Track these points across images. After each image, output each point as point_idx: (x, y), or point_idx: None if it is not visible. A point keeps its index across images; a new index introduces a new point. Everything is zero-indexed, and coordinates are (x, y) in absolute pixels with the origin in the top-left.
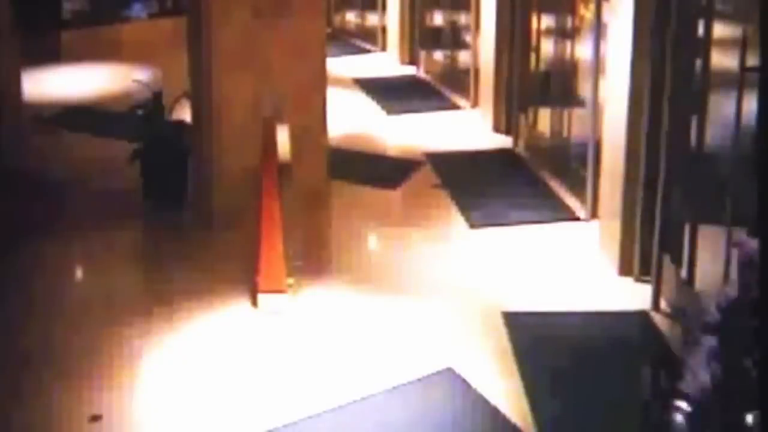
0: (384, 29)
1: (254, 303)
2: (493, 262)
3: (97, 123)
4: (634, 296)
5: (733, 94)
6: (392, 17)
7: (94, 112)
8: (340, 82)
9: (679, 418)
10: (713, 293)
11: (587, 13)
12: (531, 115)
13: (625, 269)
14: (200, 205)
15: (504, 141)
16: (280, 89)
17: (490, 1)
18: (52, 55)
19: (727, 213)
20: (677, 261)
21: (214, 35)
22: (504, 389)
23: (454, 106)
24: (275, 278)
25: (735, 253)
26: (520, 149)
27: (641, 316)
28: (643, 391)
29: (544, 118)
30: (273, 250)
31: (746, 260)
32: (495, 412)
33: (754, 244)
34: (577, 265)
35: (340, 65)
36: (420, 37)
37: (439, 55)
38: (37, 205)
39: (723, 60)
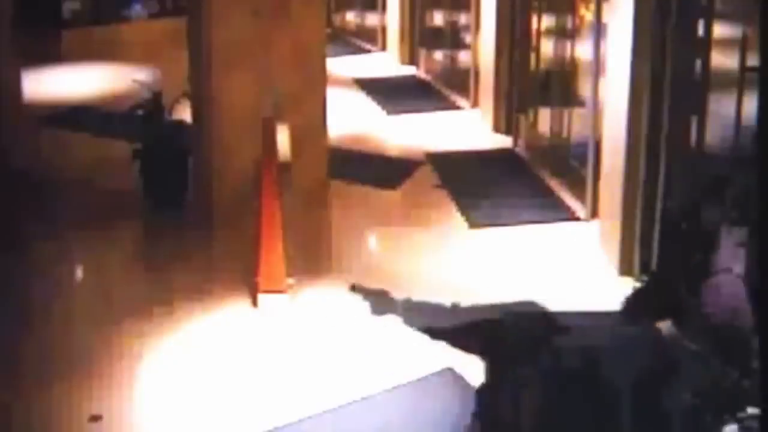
0: (384, 29)
1: (254, 303)
2: (493, 262)
3: (97, 123)
4: None
5: (734, 94)
6: (392, 17)
7: (94, 112)
8: (340, 82)
9: None
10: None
11: (587, 13)
12: (531, 115)
13: (625, 269)
14: (200, 204)
15: (504, 141)
16: (280, 89)
17: (490, 1)
18: (52, 55)
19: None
20: None
21: (214, 35)
22: None
23: (454, 106)
24: (275, 278)
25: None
26: (520, 149)
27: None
28: None
29: (544, 118)
30: (273, 250)
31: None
32: None
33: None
34: (577, 265)
35: (340, 65)
36: (420, 37)
37: (439, 55)
38: (37, 205)
39: (723, 60)
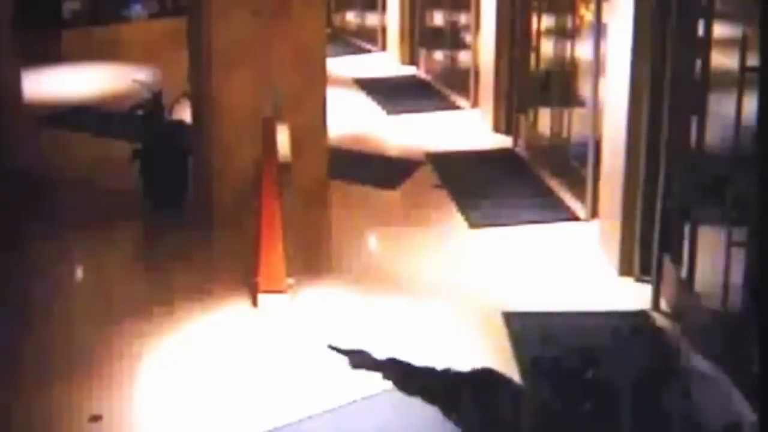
0: (384, 29)
1: (254, 303)
2: (493, 262)
3: (97, 123)
4: (634, 296)
5: (734, 94)
6: (392, 17)
7: (94, 112)
8: (340, 82)
9: None
10: None
11: (587, 13)
12: (531, 115)
13: (625, 269)
14: (200, 204)
15: (504, 141)
16: (280, 89)
17: (490, 1)
18: (52, 55)
19: (727, 213)
20: (677, 261)
21: (214, 35)
22: None
23: (454, 106)
24: (275, 278)
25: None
26: (520, 149)
27: (641, 316)
28: None
29: (544, 118)
30: (273, 250)
31: None
32: None
33: None
34: (577, 265)
35: (340, 65)
36: (420, 37)
37: (439, 55)
38: (37, 205)
39: (723, 60)
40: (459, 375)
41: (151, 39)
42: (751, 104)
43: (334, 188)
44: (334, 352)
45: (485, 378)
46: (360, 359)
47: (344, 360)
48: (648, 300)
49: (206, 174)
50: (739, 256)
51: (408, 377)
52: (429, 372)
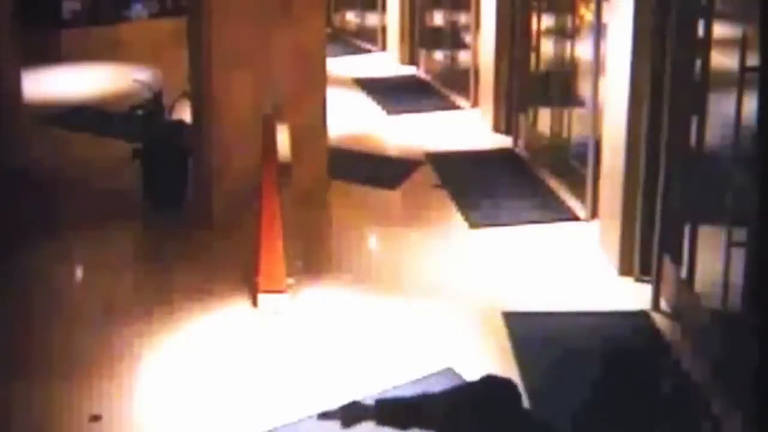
0: (384, 29)
1: (254, 303)
2: (493, 262)
3: (97, 123)
4: (634, 296)
5: (733, 94)
6: (392, 17)
7: (94, 112)
8: (340, 82)
9: None
10: None
11: (587, 13)
12: (531, 114)
13: (625, 269)
14: (200, 205)
15: (504, 141)
16: (280, 89)
17: (490, 1)
18: (52, 55)
19: (727, 213)
20: (677, 261)
21: (214, 35)
22: None
23: (454, 106)
24: (275, 278)
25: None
26: (520, 149)
27: (641, 316)
28: None
29: (544, 118)
30: (273, 250)
31: None
32: None
33: None
34: (577, 265)
35: (340, 65)
36: (420, 37)
37: (439, 55)
38: (37, 205)
39: (723, 60)
40: (459, 399)
41: (151, 39)
42: (751, 104)
43: (334, 188)
44: (326, 417)
45: (488, 399)
46: (353, 413)
47: (338, 418)
48: (648, 300)
49: (206, 174)
50: (739, 256)
51: (404, 418)
52: (426, 404)
